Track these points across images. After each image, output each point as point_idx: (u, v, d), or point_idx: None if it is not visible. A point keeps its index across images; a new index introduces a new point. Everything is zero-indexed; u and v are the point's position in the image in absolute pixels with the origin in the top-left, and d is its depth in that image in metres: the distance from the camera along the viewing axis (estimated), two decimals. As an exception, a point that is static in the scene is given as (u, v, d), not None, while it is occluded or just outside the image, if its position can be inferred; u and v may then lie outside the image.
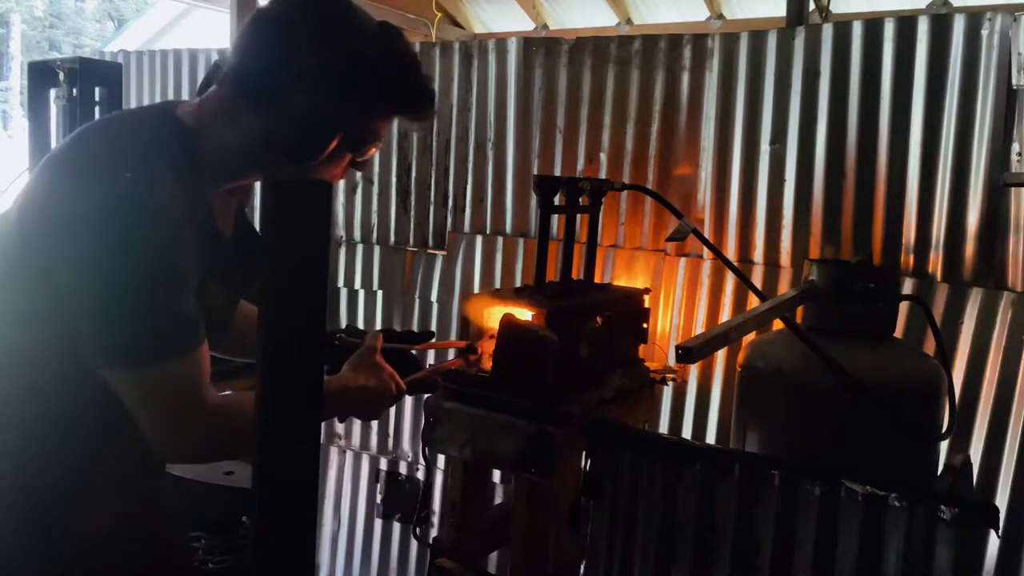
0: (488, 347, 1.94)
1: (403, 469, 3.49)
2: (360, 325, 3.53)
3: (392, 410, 3.45)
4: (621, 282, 2.85)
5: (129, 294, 1.21)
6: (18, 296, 1.29)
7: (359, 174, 3.48)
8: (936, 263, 2.45)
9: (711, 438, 2.77)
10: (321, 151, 1.35)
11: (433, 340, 1.95)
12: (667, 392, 2.82)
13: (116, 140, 1.31)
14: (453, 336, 3.23)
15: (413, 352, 1.81)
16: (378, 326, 3.48)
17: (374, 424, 3.51)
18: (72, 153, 1.32)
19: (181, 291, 1.25)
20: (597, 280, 2.52)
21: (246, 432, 1.28)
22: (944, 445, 2.20)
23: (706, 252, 2.75)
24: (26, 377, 1.32)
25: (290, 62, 1.29)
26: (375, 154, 1.52)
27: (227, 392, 1.36)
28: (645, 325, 2.32)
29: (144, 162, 1.25)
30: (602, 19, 5.51)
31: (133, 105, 4.10)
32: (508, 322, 1.87)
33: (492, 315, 2.03)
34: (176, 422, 1.27)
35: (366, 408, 1.58)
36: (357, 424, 3.55)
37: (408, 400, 3.41)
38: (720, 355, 2.74)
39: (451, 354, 1.99)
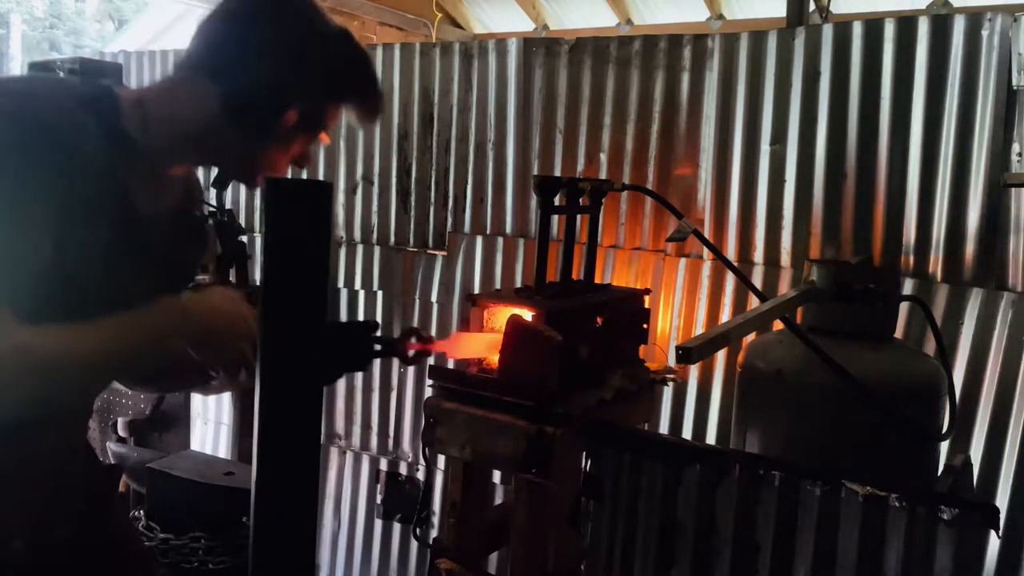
0: (414, 346, 1.83)
1: (403, 469, 3.49)
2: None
3: (392, 410, 3.46)
4: (621, 283, 2.85)
5: None
6: None
7: (359, 174, 3.49)
8: (936, 263, 2.45)
9: (711, 438, 2.77)
10: (274, 123, 1.33)
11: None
12: (667, 392, 2.82)
13: (50, 81, 1.28)
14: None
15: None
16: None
17: (374, 425, 3.51)
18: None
19: (20, 234, 1.13)
20: (597, 280, 2.52)
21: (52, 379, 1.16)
22: (944, 445, 2.21)
23: (706, 252, 2.75)
24: None
25: (248, 33, 1.30)
26: (318, 149, 1.50)
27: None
28: (645, 325, 2.32)
29: (74, 104, 1.21)
30: (602, 19, 5.52)
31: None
32: (514, 323, 1.87)
33: (495, 314, 2.03)
34: None
35: (212, 341, 1.37)
36: (357, 424, 3.55)
37: (408, 400, 3.41)
38: (720, 355, 2.74)
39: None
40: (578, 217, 2.30)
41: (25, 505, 1.34)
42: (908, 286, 2.46)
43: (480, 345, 1.95)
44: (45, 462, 1.36)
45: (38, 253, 1.14)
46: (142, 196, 1.33)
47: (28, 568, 1.33)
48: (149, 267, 1.36)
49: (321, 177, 3.56)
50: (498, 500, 3.06)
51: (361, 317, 3.53)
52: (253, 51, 1.30)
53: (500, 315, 1.99)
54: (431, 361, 2.38)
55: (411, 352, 1.67)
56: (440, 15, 5.57)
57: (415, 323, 3.38)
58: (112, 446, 3.15)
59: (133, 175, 1.30)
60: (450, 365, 2.02)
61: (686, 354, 1.67)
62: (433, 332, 3.32)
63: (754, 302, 2.34)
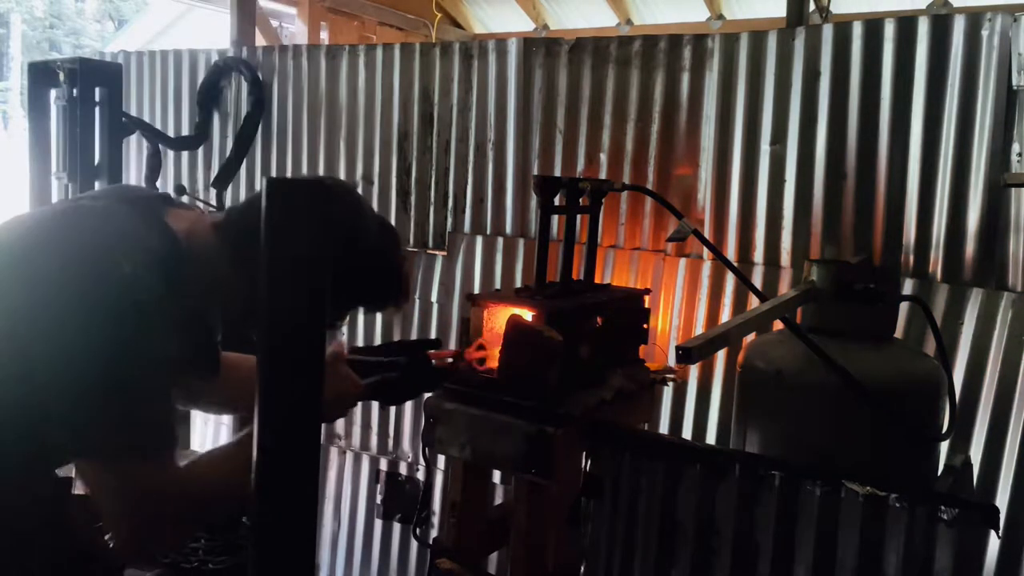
0: (476, 355, 1.94)
1: (403, 469, 3.49)
2: (360, 325, 3.53)
3: (392, 411, 3.46)
4: (621, 283, 2.85)
5: (113, 390, 1.21)
6: None
7: (359, 174, 3.49)
8: (936, 263, 2.45)
9: (711, 438, 2.77)
10: None
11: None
12: (667, 392, 2.82)
13: (112, 228, 1.31)
14: (453, 337, 3.23)
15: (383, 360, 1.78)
16: (379, 327, 3.48)
17: (374, 425, 3.51)
18: (64, 231, 1.31)
19: (163, 392, 1.27)
20: (597, 280, 2.52)
21: (210, 509, 1.36)
22: (944, 445, 2.21)
23: (706, 252, 2.75)
24: None
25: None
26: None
27: (187, 470, 1.34)
28: (645, 325, 2.32)
29: (143, 262, 1.27)
30: (602, 19, 5.52)
31: (133, 106, 4.10)
32: (515, 323, 1.87)
33: (495, 314, 2.03)
34: (139, 522, 1.26)
35: (328, 412, 1.57)
36: (357, 425, 3.55)
37: (408, 401, 3.41)
38: (720, 355, 2.74)
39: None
40: (578, 217, 2.30)
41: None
42: (908, 286, 2.45)
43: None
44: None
45: (167, 403, 1.30)
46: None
47: None
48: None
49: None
50: (498, 500, 3.06)
51: (360, 318, 3.53)
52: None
53: (500, 315, 1.99)
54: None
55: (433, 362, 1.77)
56: (440, 15, 5.57)
57: (415, 323, 3.38)
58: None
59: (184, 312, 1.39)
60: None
61: (686, 354, 1.67)
62: (433, 332, 3.32)
63: (754, 302, 2.34)
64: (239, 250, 1.38)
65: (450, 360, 1.93)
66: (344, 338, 3.56)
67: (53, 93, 3.16)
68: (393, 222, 3.41)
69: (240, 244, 1.38)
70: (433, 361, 1.76)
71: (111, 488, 1.24)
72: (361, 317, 3.51)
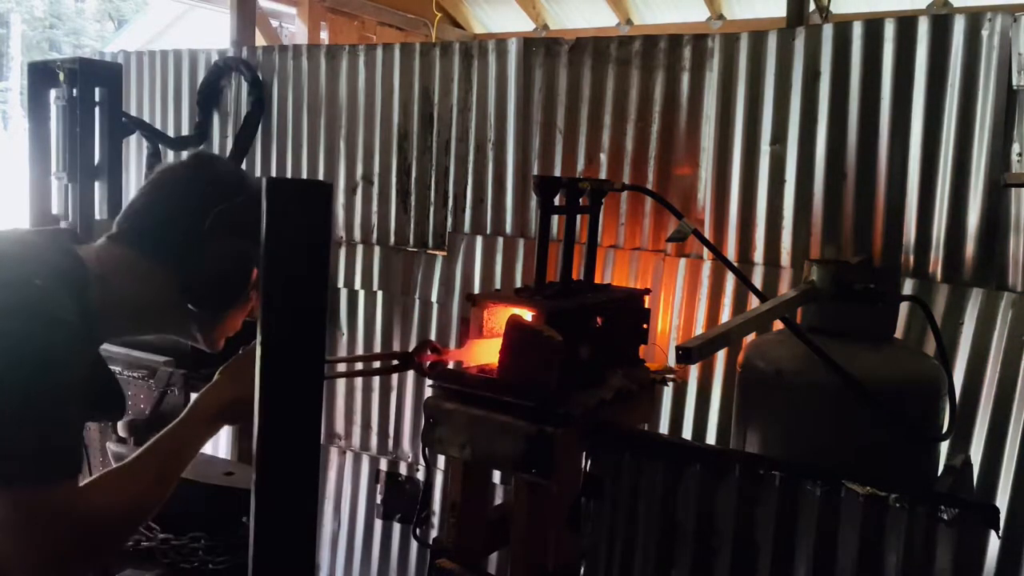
0: (429, 358, 1.90)
1: (403, 469, 3.49)
2: (360, 326, 3.53)
3: (392, 410, 3.46)
4: (621, 283, 2.85)
5: (24, 407, 1.14)
6: None
7: (359, 174, 3.49)
8: (936, 263, 2.45)
9: (711, 438, 2.77)
10: (242, 289, 1.43)
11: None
12: (667, 392, 2.82)
13: (21, 256, 1.27)
14: (453, 337, 3.24)
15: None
16: (378, 327, 3.48)
17: (374, 425, 3.51)
18: None
19: (71, 414, 1.22)
20: (597, 281, 2.52)
21: (119, 533, 1.29)
22: (944, 446, 2.21)
23: (706, 252, 2.75)
24: None
25: (203, 213, 1.36)
26: None
27: (88, 489, 1.24)
28: (645, 325, 2.32)
29: (54, 280, 1.24)
30: (602, 19, 5.52)
31: (133, 106, 4.10)
32: (515, 323, 1.87)
33: (495, 314, 2.03)
34: (43, 556, 1.17)
35: (247, 414, 1.48)
36: (357, 425, 3.55)
37: (408, 400, 3.41)
38: (720, 355, 2.74)
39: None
40: (578, 217, 2.30)
41: None
42: (908, 286, 2.45)
43: (493, 350, 1.95)
44: None
45: (73, 424, 1.25)
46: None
47: None
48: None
49: (321, 177, 3.57)
50: (498, 500, 3.06)
51: (361, 318, 3.53)
52: (213, 233, 1.36)
53: (500, 315, 1.99)
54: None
55: (427, 363, 1.74)
56: (440, 15, 5.57)
57: (415, 323, 3.38)
58: (112, 446, 3.15)
59: (93, 341, 1.36)
60: (450, 366, 2.02)
61: (686, 354, 1.67)
62: (433, 332, 3.32)
63: (754, 302, 2.34)
64: (149, 249, 1.38)
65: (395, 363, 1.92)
66: (344, 338, 3.57)
67: (53, 93, 3.16)
68: (393, 222, 3.43)
69: (147, 244, 1.38)
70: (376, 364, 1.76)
71: (9, 519, 1.14)
72: (361, 318, 3.51)
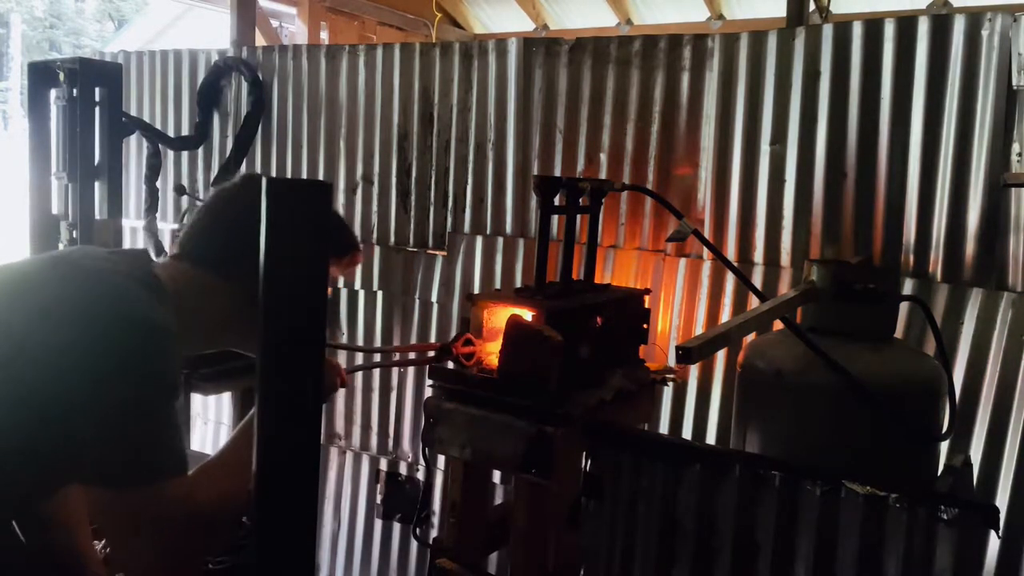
0: (464, 349, 1.95)
1: (403, 469, 3.49)
2: (360, 326, 3.53)
3: (392, 410, 3.46)
4: (621, 283, 2.85)
5: (137, 413, 1.21)
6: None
7: (359, 174, 3.49)
8: (936, 263, 2.45)
9: (711, 438, 2.77)
10: None
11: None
12: (667, 392, 2.82)
13: (112, 270, 1.33)
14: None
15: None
16: (379, 327, 3.48)
17: (374, 425, 3.51)
18: (64, 267, 1.33)
19: (176, 416, 1.29)
20: (597, 280, 2.52)
21: (226, 518, 1.34)
22: (944, 445, 2.21)
23: (706, 252, 2.75)
24: None
25: (255, 230, 1.39)
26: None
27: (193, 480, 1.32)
28: (645, 325, 2.32)
29: (146, 292, 1.30)
30: (602, 19, 5.52)
31: (133, 106, 4.10)
32: (515, 323, 1.87)
33: (495, 314, 2.03)
34: (165, 545, 1.26)
35: None
36: (357, 425, 3.55)
37: (408, 400, 3.41)
38: (720, 355, 2.74)
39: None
40: (578, 217, 2.30)
41: None
42: (908, 286, 2.45)
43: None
44: None
45: (175, 422, 1.30)
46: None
47: None
48: None
49: (321, 177, 3.57)
50: (498, 500, 3.06)
51: (361, 318, 3.53)
52: (252, 248, 1.38)
53: (500, 315, 1.99)
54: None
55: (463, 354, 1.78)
56: (440, 15, 5.57)
57: (415, 323, 3.38)
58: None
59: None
60: (450, 366, 2.02)
61: (686, 354, 1.67)
62: (433, 332, 3.32)
63: (754, 302, 2.34)
64: (214, 267, 1.43)
65: (431, 354, 1.97)
66: (344, 338, 3.57)
67: (53, 93, 3.16)
68: (393, 222, 3.43)
69: (211, 262, 1.43)
70: (412, 355, 1.80)
71: (133, 515, 1.23)
72: (361, 318, 3.51)
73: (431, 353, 1.99)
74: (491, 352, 2.00)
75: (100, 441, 1.19)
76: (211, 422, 4.00)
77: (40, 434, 1.19)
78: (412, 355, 2.03)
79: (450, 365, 2.01)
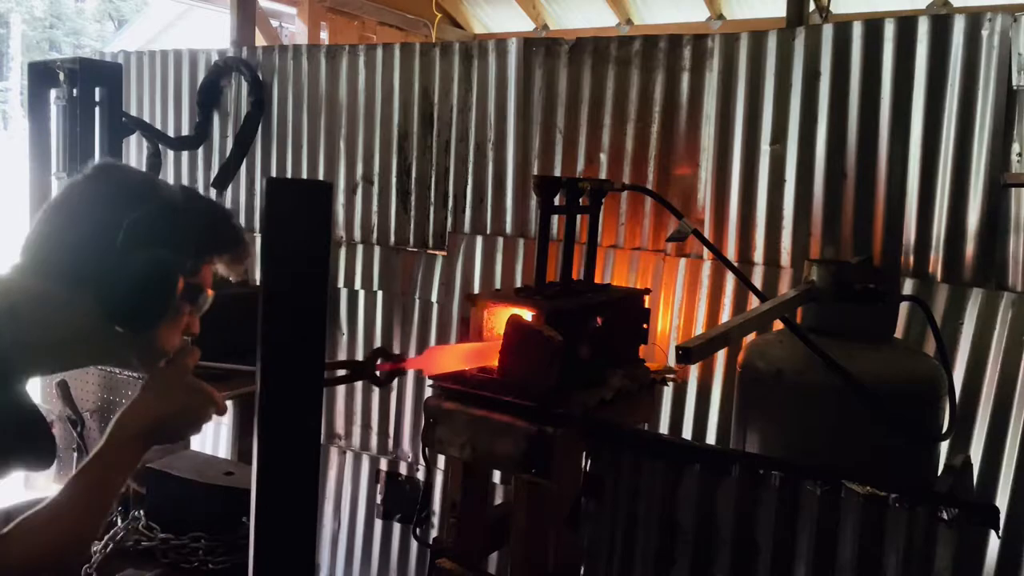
0: (385, 367, 1.66)
1: (403, 469, 3.49)
2: (360, 326, 3.53)
3: (392, 410, 3.46)
4: (621, 283, 2.85)
5: None
6: None
7: (359, 174, 3.48)
8: (936, 263, 2.45)
9: (711, 438, 2.77)
10: (169, 300, 1.28)
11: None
12: (667, 392, 2.82)
13: None
14: (453, 337, 3.24)
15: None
16: (378, 327, 3.48)
17: (374, 425, 3.51)
18: None
19: None
20: (597, 280, 2.52)
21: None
22: (944, 446, 2.21)
23: (706, 252, 2.75)
24: None
25: (114, 226, 1.23)
26: (204, 309, 1.39)
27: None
28: (645, 325, 2.32)
29: None
30: (602, 19, 5.51)
31: (133, 106, 4.10)
32: (515, 323, 1.87)
33: (495, 314, 2.03)
34: None
35: (176, 432, 1.38)
36: (357, 425, 3.55)
37: (408, 400, 3.41)
38: (720, 355, 2.74)
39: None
40: (578, 217, 2.30)
41: None
42: (908, 286, 2.45)
43: (454, 358, 1.94)
44: None
45: None
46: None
47: None
48: None
49: (321, 177, 3.57)
50: (498, 500, 3.06)
51: (361, 318, 3.53)
52: (128, 245, 1.23)
53: (500, 315, 1.99)
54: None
55: (380, 373, 1.62)
56: (440, 15, 5.57)
57: (415, 323, 3.38)
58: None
59: (10, 382, 1.25)
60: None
61: (686, 354, 1.67)
62: (433, 332, 3.32)
63: (754, 302, 2.34)
64: (62, 276, 1.24)
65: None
66: (344, 338, 3.57)
67: (53, 93, 3.16)
68: (393, 222, 3.43)
69: (58, 270, 1.24)
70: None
71: None
72: (361, 318, 3.51)
73: (341, 372, 1.73)
74: (423, 366, 1.92)
75: None
76: (211, 422, 3.99)
77: None
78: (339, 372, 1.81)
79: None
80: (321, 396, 1.04)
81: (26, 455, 1.26)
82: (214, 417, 1.41)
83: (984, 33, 2.34)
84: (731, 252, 2.73)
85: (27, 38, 21.55)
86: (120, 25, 21.39)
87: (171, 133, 4.01)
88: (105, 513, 1.28)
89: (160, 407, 1.32)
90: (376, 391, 3.48)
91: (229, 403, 3.89)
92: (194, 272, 1.32)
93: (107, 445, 1.28)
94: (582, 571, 2.00)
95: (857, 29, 2.52)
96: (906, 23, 2.46)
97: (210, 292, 1.38)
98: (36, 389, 2.80)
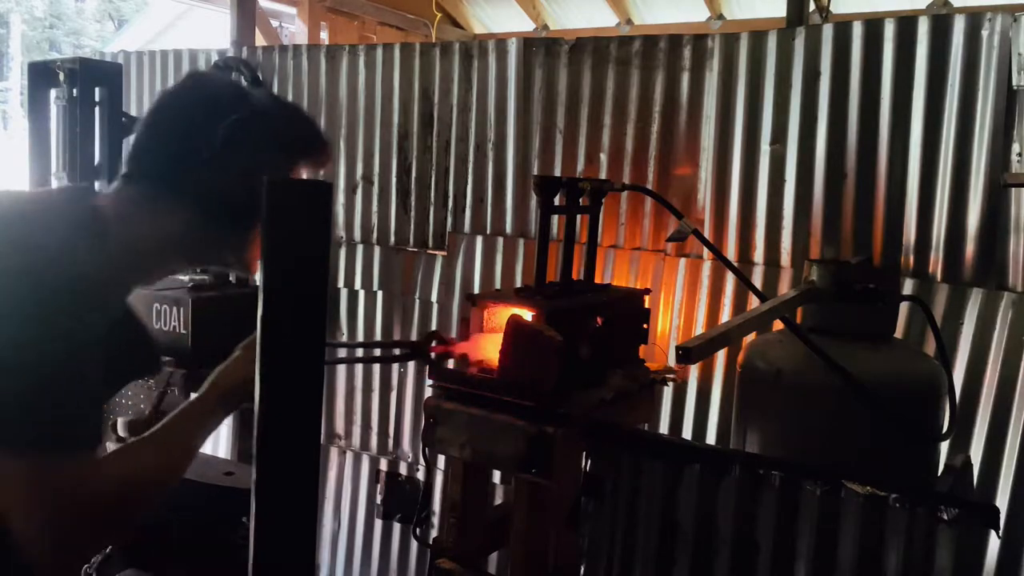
0: (438, 349, 1.90)
1: (403, 469, 3.49)
2: (360, 326, 3.53)
3: (392, 410, 3.46)
4: (621, 283, 2.85)
5: (44, 374, 1.11)
6: None
7: (359, 174, 3.48)
8: (936, 263, 2.45)
9: (711, 438, 2.77)
10: (250, 209, 1.28)
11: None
12: (667, 392, 2.82)
13: (33, 215, 1.24)
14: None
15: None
16: (378, 327, 3.48)
17: (374, 425, 3.51)
18: None
19: (93, 379, 1.17)
20: (597, 280, 2.52)
21: (135, 510, 1.24)
22: (944, 446, 2.21)
23: (706, 252, 2.75)
24: None
25: (211, 131, 1.30)
26: None
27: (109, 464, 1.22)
28: (645, 325, 2.32)
29: (66, 240, 1.19)
30: (602, 19, 5.51)
31: (133, 106, 4.10)
32: (515, 323, 1.87)
33: (495, 314, 2.03)
34: (61, 528, 1.13)
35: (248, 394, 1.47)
36: (357, 425, 3.55)
37: (408, 400, 3.41)
38: (720, 355, 2.74)
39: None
40: (578, 217, 2.30)
41: None
42: (908, 286, 2.45)
43: (497, 344, 1.95)
44: None
45: (93, 393, 1.19)
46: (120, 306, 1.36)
47: None
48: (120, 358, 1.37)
49: (321, 177, 3.57)
50: (498, 500, 3.06)
51: (361, 318, 3.53)
52: (211, 153, 1.30)
53: (500, 315, 1.99)
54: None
55: (433, 355, 1.74)
56: (440, 15, 5.57)
57: (415, 323, 3.38)
58: (112, 446, 3.15)
59: (122, 292, 1.33)
60: (450, 365, 2.02)
61: (686, 354, 1.67)
62: (433, 332, 3.32)
63: (754, 302, 2.34)
64: (164, 181, 1.31)
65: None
66: (344, 338, 3.57)
67: (53, 93, 3.16)
68: (393, 222, 3.43)
69: (160, 176, 1.32)
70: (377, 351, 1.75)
71: (20, 489, 1.11)
72: (361, 318, 3.51)
73: (396, 351, 1.97)
74: (471, 350, 1.99)
75: None
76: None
77: None
78: (378, 352, 1.97)
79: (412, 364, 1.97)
80: (321, 396, 1.04)
81: (137, 364, 1.37)
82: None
83: (984, 33, 2.34)
84: (731, 252, 2.73)
85: (27, 38, 21.55)
86: (120, 25, 21.39)
87: (171, 133, 4.00)
88: (187, 461, 1.33)
89: (251, 369, 1.34)
90: (376, 390, 3.48)
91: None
92: (285, 174, 1.39)
93: (201, 398, 1.37)
94: (582, 571, 2.00)
95: (857, 29, 2.53)
96: (906, 23, 2.46)
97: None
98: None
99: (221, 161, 1.30)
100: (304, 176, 1.46)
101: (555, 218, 2.72)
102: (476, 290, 3.18)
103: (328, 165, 1.51)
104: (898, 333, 2.32)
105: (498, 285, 3.15)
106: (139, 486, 1.24)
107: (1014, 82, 2.32)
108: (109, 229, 1.26)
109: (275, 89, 3.68)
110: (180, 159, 1.31)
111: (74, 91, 3.09)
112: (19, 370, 1.10)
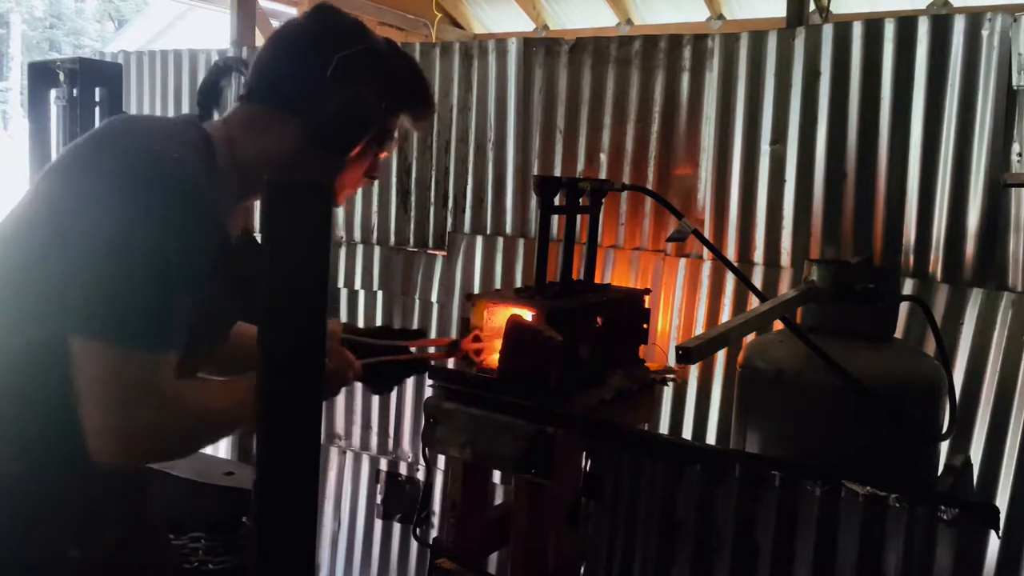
0: (472, 346, 1.95)
1: (403, 469, 3.49)
2: (360, 318, 3.53)
3: (392, 410, 3.46)
4: (621, 283, 2.85)
5: (137, 266, 1.14)
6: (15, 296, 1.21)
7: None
8: (936, 263, 2.45)
9: (711, 438, 2.77)
10: (362, 136, 1.42)
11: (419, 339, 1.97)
12: (667, 392, 2.82)
13: (148, 128, 1.31)
14: (453, 337, 3.23)
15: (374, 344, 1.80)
16: (379, 323, 3.48)
17: (374, 425, 3.51)
18: (97, 135, 1.28)
19: (188, 286, 1.20)
20: (597, 280, 2.52)
21: (197, 432, 1.28)
22: (944, 446, 2.21)
23: (706, 252, 2.75)
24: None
25: (323, 62, 1.38)
26: (388, 154, 1.57)
27: (187, 385, 1.26)
28: (645, 325, 2.32)
29: (180, 147, 1.26)
30: (602, 19, 5.51)
31: (133, 106, 4.10)
32: (515, 323, 1.87)
33: (495, 314, 2.03)
34: (127, 419, 1.14)
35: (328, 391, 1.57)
36: (357, 425, 3.55)
37: (408, 400, 3.41)
38: (720, 355, 2.74)
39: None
40: (578, 217, 2.30)
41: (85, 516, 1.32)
42: (908, 286, 2.45)
43: None
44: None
45: (186, 302, 1.21)
46: (231, 227, 1.44)
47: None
48: (233, 292, 1.43)
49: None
50: (498, 500, 3.06)
51: (361, 318, 3.53)
52: (323, 79, 1.37)
53: (500, 315, 1.99)
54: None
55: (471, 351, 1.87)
56: (440, 15, 5.57)
57: (415, 324, 3.38)
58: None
59: (227, 210, 1.39)
60: (450, 365, 2.02)
61: (686, 354, 1.67)
62: (433, 333, 3.32)
63: (754, 302, 2.34)
64: (278, 100, 1.39)
65: (434, 349, 1.98)
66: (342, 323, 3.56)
67: (53, 93, 3.16)
68: (393, 222, 3.43)
69: (274, 96, 1.40)
70: (414, 349, 1.79)
71: (100, 377, 1.12)
72: (361, 318, 3.51)
73: (432, 349, 1.99)
74: (497, 349, 2.00)
75: (87, 284, 1.13)
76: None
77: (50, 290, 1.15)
78: (415, 349, 2.01)
79: (450, 364, 2.01)
80: (321, 396, 1.04)
81: (250, 307, 1.36)
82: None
83: (984, 33, 2.34)
84: (731, 252, 2.73)
85: (27, 38, 21.55)
86: (120, 25, 21.39)
87: (171, 133, 4.01)
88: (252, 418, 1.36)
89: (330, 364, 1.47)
90: (376, 391, 3.48)
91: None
92: (387, 116, 1.47)
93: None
94: (582, 571, 2.00)
95: (857, 29, 2.53)
96: (906, 23, 2.46)
97: (390, 151, 1.53)
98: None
99: (332, 88, 1.38)
100: (405, 130, 1.53)
101: (555, 218, 2.72)
102: (476, 290, 3.18)
103: (426, 127, 1.59)
104: (898, 333, 2.32)
105: (498, 285, 3.15)
106: (206, 416, 1.27)
107: (1014, 82, 2.32)
108: (215, 149, 1.34)
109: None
110: (297, 80, 1.39)
111: (74, 91, 3.09)
112: (118, 262, 1.14)
